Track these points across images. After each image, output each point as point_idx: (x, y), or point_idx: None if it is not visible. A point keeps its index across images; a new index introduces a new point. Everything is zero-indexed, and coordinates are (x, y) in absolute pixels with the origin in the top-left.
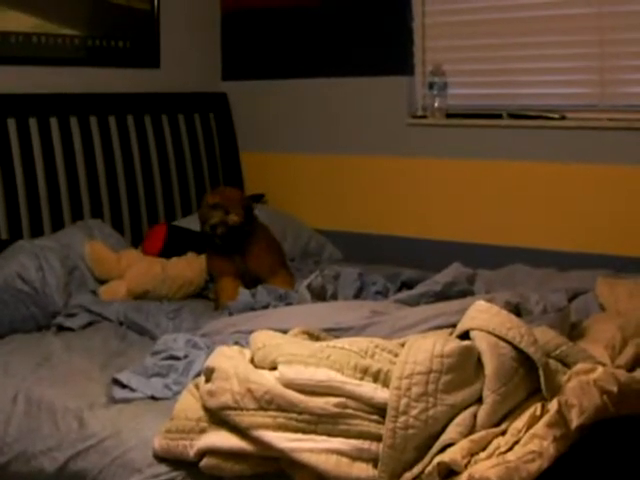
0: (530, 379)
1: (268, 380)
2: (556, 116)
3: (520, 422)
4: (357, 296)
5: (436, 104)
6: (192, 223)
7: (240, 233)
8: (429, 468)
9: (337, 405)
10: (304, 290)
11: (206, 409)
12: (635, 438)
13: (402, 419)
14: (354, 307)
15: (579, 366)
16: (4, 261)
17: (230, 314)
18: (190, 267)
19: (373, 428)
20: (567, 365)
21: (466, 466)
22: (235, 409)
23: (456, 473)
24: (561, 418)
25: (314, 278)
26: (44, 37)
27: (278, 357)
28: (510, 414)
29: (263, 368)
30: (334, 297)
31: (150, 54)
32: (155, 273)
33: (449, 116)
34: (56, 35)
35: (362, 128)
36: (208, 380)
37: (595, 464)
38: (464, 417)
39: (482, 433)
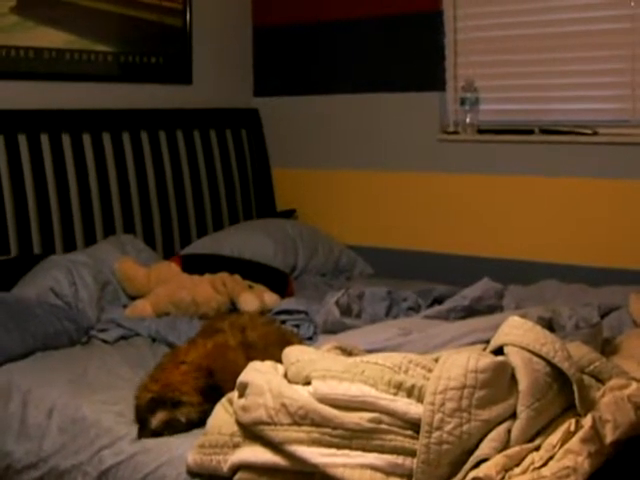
0: (564, 395)
1: (302, 395)
2: (588, 132)
3: (554, 437)
4: (387, 314)
5: (468, 120)
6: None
7: None
8: None
9: (371, 420)
10: (333, 307)
11: (240, 424)
12: None
13: (436, 434)
14: (382, 329)
15: (613, 381)
16: (37, 276)
17: None
18: (218, 293)
19: (407, 443)
20: (601, 381)
21: None
22: (269, 424)
23: None
24: (595, 434)
25: (341, 295)
26: (77, 53)
27: (312, 372)
28: (544, 430)
29: (297, 383)
30: (359, 316)
31: (182, 70)
32: (179, 299)
33: (481, 132)
34: (89, 51)
35: (393, 144)
36: (241, 395)
37: None
38: (498, 432)
39: (516, 448)
